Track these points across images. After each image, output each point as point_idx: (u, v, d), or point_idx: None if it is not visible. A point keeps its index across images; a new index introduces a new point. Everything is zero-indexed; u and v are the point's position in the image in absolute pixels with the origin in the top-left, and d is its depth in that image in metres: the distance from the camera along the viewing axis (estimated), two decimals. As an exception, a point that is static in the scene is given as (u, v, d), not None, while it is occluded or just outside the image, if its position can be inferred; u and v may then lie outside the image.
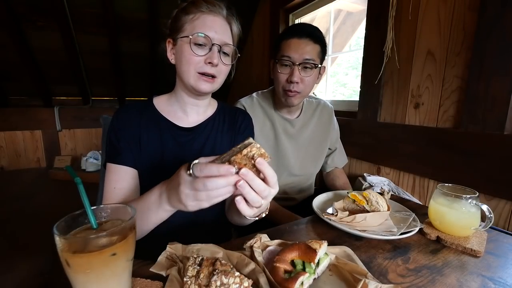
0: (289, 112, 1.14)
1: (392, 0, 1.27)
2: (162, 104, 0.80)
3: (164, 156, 0.75)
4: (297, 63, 0.97)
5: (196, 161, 0.46)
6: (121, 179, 0.70)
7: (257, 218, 0.57)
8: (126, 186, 0.70)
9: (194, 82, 0.70)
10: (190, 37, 0.67)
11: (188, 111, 0.79)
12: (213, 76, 0.71)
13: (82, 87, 3.21)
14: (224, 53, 0.71)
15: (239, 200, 0.45)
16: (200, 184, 0.43)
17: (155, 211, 0.56)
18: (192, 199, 0.46)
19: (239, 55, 0.77)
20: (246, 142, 0.45)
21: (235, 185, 0.43)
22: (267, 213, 0.58)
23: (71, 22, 2.53)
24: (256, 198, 0.45)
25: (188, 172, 0.45)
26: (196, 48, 0.68)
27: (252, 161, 0.44)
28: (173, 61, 0.74)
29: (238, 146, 0.45)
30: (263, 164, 0.44)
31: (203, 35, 0.67)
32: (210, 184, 0.42)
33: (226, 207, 0.82)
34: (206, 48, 0.69)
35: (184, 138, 0.77)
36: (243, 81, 3.22)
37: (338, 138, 1.31)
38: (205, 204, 0.45)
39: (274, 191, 0.47)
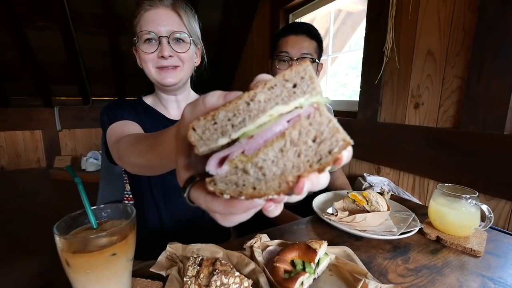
0: None
1: (392, 0, 1.27)
2: (150, 100, 0.83)
3: None
4: (295, 58, 1.00)
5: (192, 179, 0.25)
6: (128, 124, 0.67)
7: None
8: (134, 130, 0.65)
9: (158, 77, 0.71)
10: (134, 38, 0.68)
11: (169, 107, 0.82)
12: (174, 66, 0.71)
13: (82, 87, 3.21)
14: (177, 40, 0.70)
15: (271, 210, 0.24)
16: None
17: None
18: None
19: (192, 39, 0.73)
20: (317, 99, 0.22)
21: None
22: None
23: (71, 22, 2.53)
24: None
25: (184, 194, 0.26)
26: (145, 46, 0.68)
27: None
28: (141, 66, 0.75)
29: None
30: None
31: (145, 31, 0.67)
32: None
33: None
34: (156, 43, 0.69)
35: None
36: (244, 81, 3.22)
37: None
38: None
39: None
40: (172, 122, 0.80)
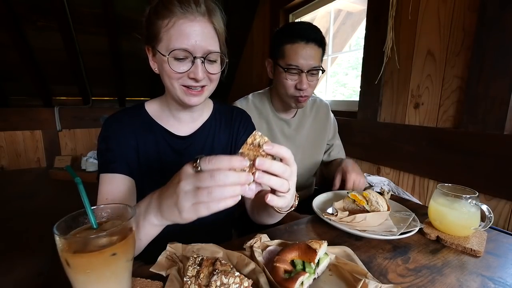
0: (286, 112, 1.14)
1: (392, 0, 1.27)
2: (155, 109, 0.75)
3: (162, 163, 0.73)
4: (306, 71, 0.96)
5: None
6: (114, 189, 0.65)
7: (288, 211, 0.55)
8: (119, 196, 0.64)
9: (182, 96, 0.65)
10: (167, 56, 0.60)
11: (182, 117, 0.75)
12: (202, 87, 0.66)
13: (82, 87, 3.20)
14: (211, 61, 0.64)
15: (269, 196, 0.43)
16: (207, 175, 0.37)
17: (142, 225, 0.48)
18: (190, 199, 0.39)
19: (227, 60, 0.68)
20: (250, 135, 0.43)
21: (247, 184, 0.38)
22: (296, 204, 0.55)
23: (71, 22, 2.52)
24: (281, 181, 0.41)
25: (194, 164, 0.39)
26: (176, 64, 0.61)
27: (261, 150, 0.41)
28: (156, 71, 0.68)
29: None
30: (274, 147, 0.41)
31: (180, 49, 0.59)
32: (218, 175, 0.36)
33: (249, 209, 0.77)
34: (188, 61, 0.62)
35: (181, 145, 0.74)
36: (243, 81, 3.22)
37: (337, 133, 1.29)
38: (204, 210, 0.38)
39: (294, 168, 0.44)
40: (176, 137, 0.74)
